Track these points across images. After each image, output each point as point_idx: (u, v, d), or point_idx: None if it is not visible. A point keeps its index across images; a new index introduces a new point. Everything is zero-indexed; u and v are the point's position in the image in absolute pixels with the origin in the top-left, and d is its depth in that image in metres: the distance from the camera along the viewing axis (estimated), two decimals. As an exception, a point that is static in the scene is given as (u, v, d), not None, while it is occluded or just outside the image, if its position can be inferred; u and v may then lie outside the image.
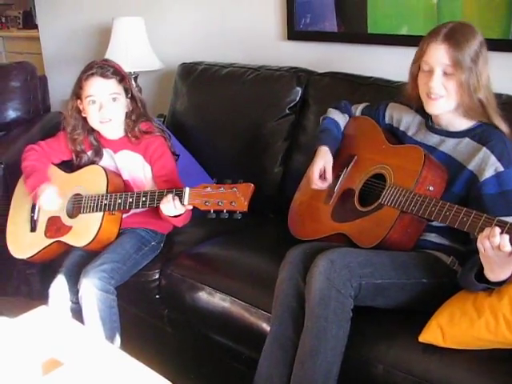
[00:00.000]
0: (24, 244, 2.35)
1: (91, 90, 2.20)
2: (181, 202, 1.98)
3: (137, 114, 2.29)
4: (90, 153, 2.33)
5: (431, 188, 1.80)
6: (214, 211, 1.92)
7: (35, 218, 2.35)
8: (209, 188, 1.93)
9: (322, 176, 2.08)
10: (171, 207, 2.00)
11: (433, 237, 1.87)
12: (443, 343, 1.65)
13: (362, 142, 2.12)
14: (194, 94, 2.88)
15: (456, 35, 1.76)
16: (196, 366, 2.26)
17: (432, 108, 1.87)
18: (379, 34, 2.56)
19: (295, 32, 2.84)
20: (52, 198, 2.22)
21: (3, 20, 6.65)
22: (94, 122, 2.25)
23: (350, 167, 2.09)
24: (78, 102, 2.26)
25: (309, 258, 1.80)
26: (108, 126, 2.26)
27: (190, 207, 2.00)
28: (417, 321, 1.71)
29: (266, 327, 1.90)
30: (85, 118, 2.28)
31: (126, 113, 2.28)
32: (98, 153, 2.33)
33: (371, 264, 1.74)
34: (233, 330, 2.05)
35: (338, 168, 2.12)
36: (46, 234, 2.29)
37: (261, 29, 2.97)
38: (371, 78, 2.45)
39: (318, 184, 2.08)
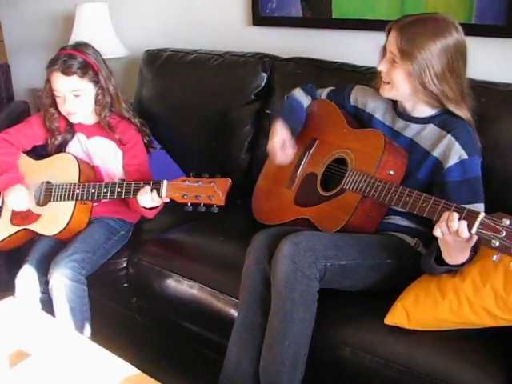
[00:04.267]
0: None
1: (54, 86, 2.21)
2: (158, 194, 1.98)
3: (105, 103, 2.27)
4: (64, 133, 2.32)
5: (392, 172, 1.82)
6: (192, 204, 1.95)
7: (0, 204, 2.31)
8: (187, 181, 1.95)
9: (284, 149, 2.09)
10: (148, 199, 2.01)
11: (397, 219, 1.89)
12: (408, 325, 1.68)
13: (323, 126, 2.12)
14: (159, 81, 2.86)
15: (413, 26, 1.77)
16: (166, 353, 2.27)
17: (381, 91, 1.91)
18: (344, 18, 2.57)
19: (260, 17, 2.82)
20: (22, 201, 2.20)
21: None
22: (62, 111, 2.27)
23: (311, 151, 2.11)
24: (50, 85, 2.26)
25: (274, 243, 1.80)
26: (74, 118, 2.27)
27: (167, 200, 2.01)
28: (383, 304, 1.73)
29: (234, 313, 1.91)
30: None
31: (96, 101, 2.27)
32: (72, 134, 2.33)
33: (336, 246, 1.75)
34: (201, 316, 2.06)
35: (299, 152, 2.13)
36: (11, 221, 2.26)
37: (226, 15, 2.95)
38: (336, 62, 2.45)
39: (281, 156, 2.09)
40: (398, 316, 1.69)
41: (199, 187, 1.94)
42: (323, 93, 2.22)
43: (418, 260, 1.78)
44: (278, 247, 1.74)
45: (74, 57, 2.20)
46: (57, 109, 2.29)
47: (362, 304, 1.81)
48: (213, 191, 1.93)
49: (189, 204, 1.96)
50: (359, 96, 2.09)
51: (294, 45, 2.73)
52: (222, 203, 1.94)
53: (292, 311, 1.68)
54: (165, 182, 2.00)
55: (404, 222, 1.89)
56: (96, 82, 2.25)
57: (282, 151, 2.08)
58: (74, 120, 2.28)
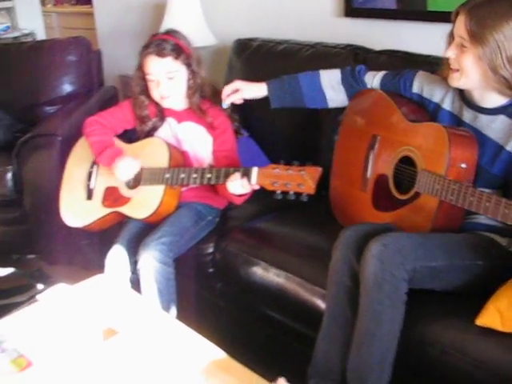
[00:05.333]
0: (79, 212, 2.38)
1: (148, 69, 2.25)
2: (248, 181, 1.99)
3: (196, 86, 2.31)
4: (154, 119, 2.37)
5: (463, 165, 1.75)
6: (281, 192, 1.95)
7: (91, 186, 2.38)
8: (277, 169, 1.95)
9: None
10: (238, 186, 2.03)
11: (483, 219, 1.82)
12: (502, 327, 1.62)
13: (381, 120, 2.07)
14: (248, 70, 2.87)
15: (483, 7, 1.69)
16: (247, 340, 2.28)
17: (449, 80, 1.84)
18: (440, 11, 2.51)
19: (353, 9, 2.80)
20: (130, 168, 2.25)
21: (57, -4, 6.76)
22: (154, 96, 2.31)
23: (375, 150, 2.05)
24: (142, 71, 2.30)
25: (361, 238, 1.79)
26: (167, 102, 2.31)
27: (257, 187, 2.02)
28: (470, 303, 1.69)
29: (321, 303, 1.91)
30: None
31: (188, 85, 2.31)
32: (162, 119, 2.37)
33: (425, 247, 1.71)
34: (286, 305, 2.06)
35: (362, 149, 2.09)
36: (103, 204, 2.33)
37: (317, 5, 2.93)
38: (430, 56, 2.40)
39: (223, 97, 2.26)
40: (491, 318, 1.63)
41: (289, 175, 1.94)
42: (376, 77, 2.15)
43: (509, 260, 1.73)
44: (366, 247, 1.72)
45: (166, 40, 2.26)
46: (147, 96, 2.33)
47: (449, 302, 1.76)
48: (303, 179, 1.92)
49: (278, 192, 1.96)
50: (424, 84, 2.01)
51: (385, 37, 2.69)
52: (312, 192, 1.93)
53: (380, 312, 1.66)
54: (255, 168, 2.00)
55: (491, 221, 1.81)
56: (188, 66, 2.29)
57: (226, 95, 2.25)
58: (166, 104, 2.32)
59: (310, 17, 2.97)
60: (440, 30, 2.48)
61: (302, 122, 2.63)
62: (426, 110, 2.00)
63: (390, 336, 1.68)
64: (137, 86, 2.34)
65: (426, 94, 2.00)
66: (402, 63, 2.42)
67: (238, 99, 2.28)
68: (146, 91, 2.33)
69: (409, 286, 1.68)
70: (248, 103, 2.47)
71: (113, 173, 2.25)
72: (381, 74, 2.15)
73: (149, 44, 2.26)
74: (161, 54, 2.23)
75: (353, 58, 2.56)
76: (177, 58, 2.26)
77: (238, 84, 2.28)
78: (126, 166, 2.23)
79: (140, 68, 2.31)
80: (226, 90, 2.27)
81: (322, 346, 1.81)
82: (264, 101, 2.74)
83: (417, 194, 1.84)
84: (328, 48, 2.66)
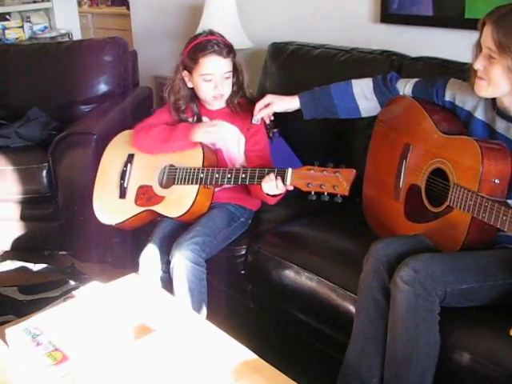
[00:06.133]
0: (113, 210, 2.40)
1: (208, 69, 2.24)
2: (283, 181, 2.01)
3: (238, 85, 2.34)
4: (190, 120, 2.38)
5: (497, 181, 1.73)
6: (315, 193, 1.96)
7: (125, 185, 2.39)
8: (312, 170, 1.97)
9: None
10: (273, 186, 2.04)
11: None
12: (536, 339, 1.61)
13: (413, 129, 2.05)
14: (284, 74, 2.89)
15: (508, 18, 1.67)
16: (276, 342, 2.28)
17: (476, 88, 1.81)
18: (477, 18, 2.49)
19: (389, 14, 2.79)
20: (209, 130, 2.28)
21: (93, -3, 6.89)
22: (205, 95, 2.31)
23: (408, 159, 2.04)
24: (184, 73, 2.31)
25: (392, 253, 1.79)
26: (219, 101, 2.32)
27: (291, 188, 2.03)
28: (506, 314, 1.68)
29: (352, 309, 1.91)
30: (189, 88, 2.34)
31: (233, 83, 2.33)
32: (199, 121, 2.37)
33: (455, 270, 1.69)
34: (318, 309, 2.06)
35: (394, 158, 2.08)
36: (136, 202, 2.34)
37: (353, 10, 2.94)
38: (466, 64, 2.37)
39: (255, 112, 2.22)
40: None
41: (324, 176, 1.95)
42: (408, 84, 2.13)
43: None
44: (396, 271, 1.70)
45: (222, 41, 2.27)
46: (185, 97, 2.34)
47: (481, 313, 1.74)
48: (337, 181, 1.93)
49: (312, 193, 1.97)
50: (457, 92, 1.98)
51: (421, 44, 2.68)
52: (347, 193, 1.94)
53: (416, 336, 1.66)
54: (290, 169, 2.02)
55: None
56: (235, 66, 2.31)
57: (258, 109, 2.21)
58: (218, 105, 2.34)
59: (346, 22, 2.97)
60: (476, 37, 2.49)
61: (334, 126, 2.63)
62: (458, 119, 1.98)
63: (428, 358, 1.68)
64: (178, 89, 2.34)
65: (458, 102, 1.98)
66: (438, 70, 2.41)
67: (268, 114, 2.27)
68: (185, 94, 2.34)
69: (441, 305, 1.68)
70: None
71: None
72: (413, 81, 2.13)
73: (204, 45, 2.24)
74: (222, 53, 2.24)
75: (388, 65, 2.55)
76: (233, 57, 2.29)
77: (269, 98, 2.26)
78: (205, 130, 2.27)
79: (184, 68, 2.30)
80: (259, 105, 2.25)
81: (351, 356, 1.83)
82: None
83: (449, 208, 1.83)
84: (364, 54, 2.66)
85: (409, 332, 1.67)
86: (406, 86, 2.14)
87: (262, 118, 2.28)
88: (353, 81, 2.23)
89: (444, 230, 1.85)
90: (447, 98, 2.01)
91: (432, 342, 1.67)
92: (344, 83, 2.24)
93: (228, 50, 2.25)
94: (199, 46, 2.25)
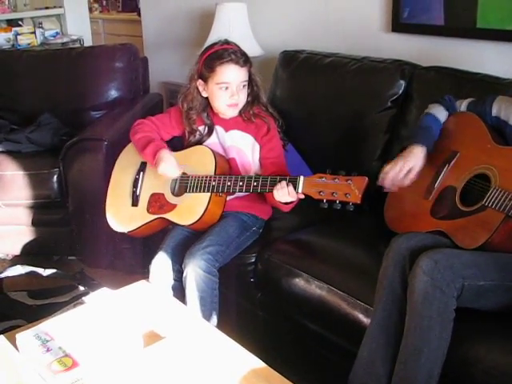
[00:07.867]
0: (125, 217, 2.40)
1: (225, 77, 2.24)
2: (294, 189, 2.01)
3: (253, 96, 2.34)
4: (201, 128, 2.38)
5: None
6: (327, 201, 1.95)
7: (137, 193, 2.39)
8: (324, 178, 1.96)
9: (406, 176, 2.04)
10: (285, 194, 2.03)
11: None
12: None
13: (465, 139, 2.07)
14: (294, 82, 2.89)
15: None
16: (285, 351, 2.28)
17: None
18: (489, 28, 2.50)
19: (400, 24, 2.80)
20: (173, 165, 2.25)
21: (104, 3, 6.93)
22: (220, 104, 2.31)
23: (451, 164, 2.06)
24: (199, 82, 2.31)
25: (413, 245, 1.80)
26: (234, 109, 2.32)
27: (303, 196, 2.03)
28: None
29: (363, 318, 1.91)
30: (203, 97, 2.34)
31: (249, 92, 2.33)
32: (210, 130, 2.38)
33: (474, 265, 1.71)
34: (327, 318, 2.05)
35: (437, 163, 2.08)
36: (148, 210, 2.35)
37: (365, 19, 2.95)
38: (479, 74, 2.38)
39: (398, 181, 2.03)
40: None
41: (336, 184, 1.94)
42: (462, 104, 2.15)
43: None
44: (416, 262, 1.71)
45: (235, 50, 2.27)
46: (198, 107, 2.35)
47: (494, 322, 1.74)
48: (349, 189, 1.92)
49: (324, 201, 1.97)
50: (502, 107, 2.00)
51: (433, 53, 2.69)
52: (359, 201, 1.93)
53: (429, 328, 1.66)
54: (301, 177, 2.01)
55: None
56: (250, 75, 2.31)
57: (405, 177, 2.03)
58: (233, 113, 2.33)
59: (357, 31, 2.98)
60: (489, 47, 2.50)
61: (346, 135, 2.64)
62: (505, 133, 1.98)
63: (438, 353, 1.67)
64: (192, 98, 2.33)
65: (503, 117, 1.99)
66: (449, 80, 2.42)
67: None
68: (198, 103, 2.34)
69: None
70: (288, 114, 2.48)
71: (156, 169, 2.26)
72: (466, 101, 2.15)
73: (221, 53, 2.24)
74: (240, 62, 2.24)
75: (400, 73, 2.56)
76: (250, 66, 2.29)
77: (410, 164, 2.05)
78: (169, 166, 2.25)
79: (199, 77, 2.30)
80: (400, 174, 2.04)
81: (365, 351, 1.82)
82: (307, 114, 2.76)
83: (482, 208, 1.84)
84: (375, 63, 2.66)
85: (423, 323, 1.66)
86: (461, 106, 2.15)
87: None
88: (434, 113, 2.15)
89: (469, 228, 1.86)
90: (494, 113, 2.02)
91: (444, 338, 1.67)
92: (434, 118, 2.15)
93: (245, 59, 2.26)
94: (216, 54, 2.25)
